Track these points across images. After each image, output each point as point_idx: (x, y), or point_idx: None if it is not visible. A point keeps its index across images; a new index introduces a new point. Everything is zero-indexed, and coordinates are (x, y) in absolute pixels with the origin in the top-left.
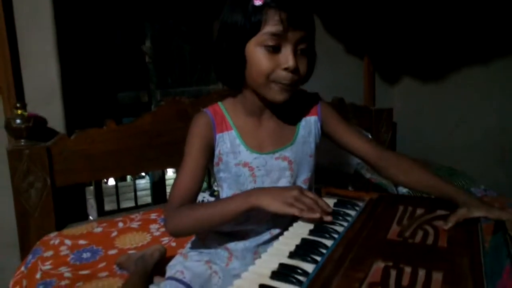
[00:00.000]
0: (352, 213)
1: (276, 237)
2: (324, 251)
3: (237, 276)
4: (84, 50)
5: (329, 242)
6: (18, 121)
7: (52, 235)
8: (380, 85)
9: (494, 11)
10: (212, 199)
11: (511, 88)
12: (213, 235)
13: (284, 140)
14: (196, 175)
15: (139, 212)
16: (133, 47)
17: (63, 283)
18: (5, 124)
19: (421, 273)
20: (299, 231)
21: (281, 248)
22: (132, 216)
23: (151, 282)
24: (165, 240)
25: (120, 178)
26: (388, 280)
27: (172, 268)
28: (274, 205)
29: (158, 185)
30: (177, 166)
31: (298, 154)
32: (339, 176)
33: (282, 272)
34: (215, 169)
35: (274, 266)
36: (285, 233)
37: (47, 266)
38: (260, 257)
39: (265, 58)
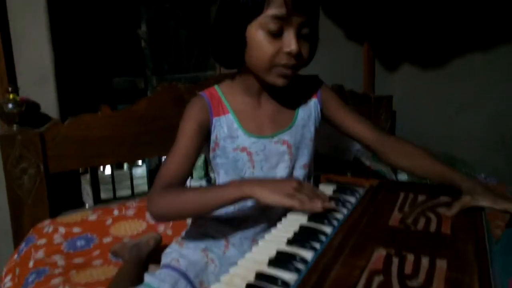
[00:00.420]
0: (352, 200)
1: (274, 224)
2: (323, 238)
3: (234, 264)
4: (78, 34)
5: (328, 229)
6: (10, 105)
7: (45, 222)
8: (379, 72)
9: None
10: None
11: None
12: (209, 222)
13: (283, 123)
14: (188, 158)
15: (135, 200)
16: (129, 31)
17: (56, 271)
18: None
19: (425, 260)
20: (298, 218)
21: (279, 235)
22: (128, 204)
23: (146, 270)
24: (161, 228)
25: (116, 166)
26: (390, 267)
27: (168, 256)
28: (271, 198)
29: (154, 173)
30: None
31: (297, 138)
32: (338, 163)
33: (280, 259)
34: (211, 154)
35: (272, 253)
36: (283, 220)
37: (40, 254)
38: (257, 244)
39: (267, 42)
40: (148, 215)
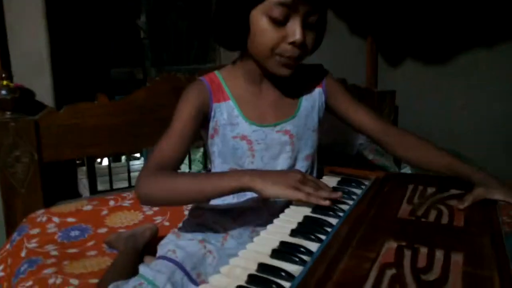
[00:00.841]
0: (358, 191)
1: (276, 216)
2: (329, 229)
3: (233, 256)
4: (76, 22)
5: (334, 221)
6: (3, 92)
7: (39, 212)
8: (382, 67)
9: None
10: None
11: None
12: (208, 213)
13: (286, 112)
14: (183, 142)
15: (132, 191)
16: (128, 22)
17: (49, 261)
18: None
19: (439, 253)
20: (301, 208)
21: (282, 226)
22: (124, 195)
23: (141, 261)
24: (158, 219)
25: (113, 159)
26: (403, 260)
27: (164, 247)
28: (273, 190)
29: None
30: None
31: (300, 128)
32: (340, 157)
33: (284, 251)
34: (209, 142)
35: (275, 244)
36: (286, 210)
37: (33, 244)
38: (259, 235)
39: (271, 29)
40: (144, 206)
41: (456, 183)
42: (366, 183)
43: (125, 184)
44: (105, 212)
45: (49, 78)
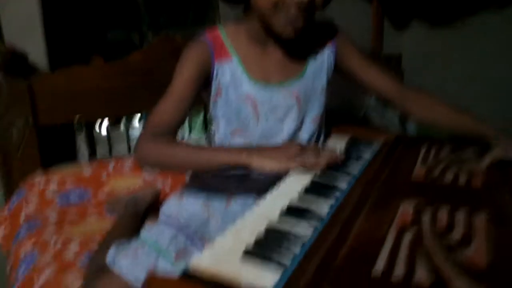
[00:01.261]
0: (367, 154)
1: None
2: (338, 193)
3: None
4: None
5: (343, 184)
6: None
7: (37, 176)
8: (388, 30)
9: None
10: None
11: None
12: (211, 178)
13: (293, 72)
14: (183, 104)
15: (131, 155)
16: None
17: (48, 225)
18: None
19: (459, 214)
20: (308, 172)
21: (288, 189)
22: (124, 159)
23: (143, 225)
24: (159, 184)
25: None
26: (421, 223)
27: (166, 210)
28: (269, 165)
29: None
30: None
31: (307, 89)
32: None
33: (292, 214)
34: (212, 104)
35: (283, 207)
36: (293, 174)
37: (31, 208)
38: (265, 198)
39: None
40: (145, 171)
41: (472, 144)
42: (375, 145)
43: (124, 151)
44: (104, 176)
45: (42, 40)
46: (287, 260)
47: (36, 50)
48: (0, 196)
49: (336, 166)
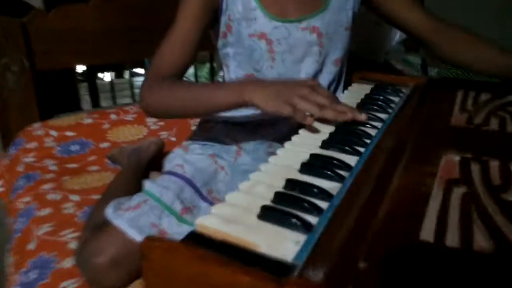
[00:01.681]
0: (396, 99)
1: (296, 131)
2: (368, 140)
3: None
4: None
5: (372, 131)
6: None
7: (36, 125)
8: None
9: None
10: None
11: None
12: (219, 125)
13: (314, 4)
14: (189, 44)
15: (135, 105)
16: None
17: (47, 176)
18: None
19: None
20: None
21: (309, 136)
22: (127, 108)
23: (146, 177)
24: (164, 134)
25: (116, 75)
26: (471, 176)
27: (171, 162)
28: (275, 106)
29: None
30: None
31: (330, 25)
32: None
33: (316, 164)
34: (221, 42)
35: (304, 157)
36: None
37: (30, 158)
38: (275, 152)
39: None
40: (148, 120)
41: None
42: (404, 90)
43: (128, 100)
44: (106, 126)
45: None
46: (313, 219)
47: None
48: None
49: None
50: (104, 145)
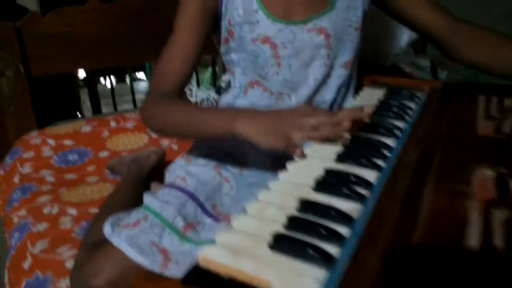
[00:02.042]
0: (412, 105)
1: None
2: (387, 152)
3: (255, 184)
4: None
5: (391, 142)
6: None
7: (33, 133)
8: None
9: None
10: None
11: None
12: None
13: (321, 3)
14: (190, 51)
15: (136, 111)
16: None
17: (44, 188)
18: None
19: None
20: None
21: (323, 148)
22: (127, 115)
23: (147, 189)
24: (165, 142)
25: (117, 80)
26: (511, 196)
27: (172, 173)
28: (265, 142)
29: None
30: None
31: (338, 25)
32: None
33: (331, 181)
34: (223, 48)
35: (318, 172)
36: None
37: (27, 168)
38: (284, 163)
39: None
40: None
41: None
42: (419, 95)
43: (129, 105)
44: (106, 134)
45: None
46: (333, 249)
47: None
48: None
49: (378, 120)
50: (103, 154)
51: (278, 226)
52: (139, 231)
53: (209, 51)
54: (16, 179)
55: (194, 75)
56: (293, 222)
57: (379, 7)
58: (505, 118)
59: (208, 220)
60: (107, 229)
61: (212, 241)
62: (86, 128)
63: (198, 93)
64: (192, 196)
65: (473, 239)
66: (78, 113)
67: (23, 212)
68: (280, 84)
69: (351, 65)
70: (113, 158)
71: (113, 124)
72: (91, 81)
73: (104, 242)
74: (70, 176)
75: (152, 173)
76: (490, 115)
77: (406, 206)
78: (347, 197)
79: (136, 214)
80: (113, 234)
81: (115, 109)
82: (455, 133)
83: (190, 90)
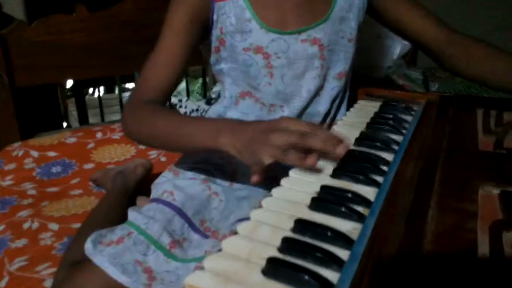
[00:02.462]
0: (409, 118)
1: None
2: (385, 168)
3: (245, 198)
4: None
5: (388, 156)
6: None
7: (15, 145)
8: None
9: None
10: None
11: None
12: None
13: (315, 14)
14: (176, 60)
15: None
16: None
17: (25, 202)
18: None
19: None
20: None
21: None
22: (114, 126)
23: (133, 203)
24: (153, 154)
25: (106, 90)
26: None
27: (159, 188)
28: (245, 157)
29: None
30: None
31: (333, 36)
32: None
33: (327, 199)
34: (213, 58)
35: (313, 189)
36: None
37: (7, 181)
38: (276, 175)
39: None
40: None
41: None
42: (415, 108)
43: (118, 116)
44: (91, 145)
45: None
46: (332, 275)
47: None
48: None
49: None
50: (88, 166)
51: (272, 249)
52: (122, 248)
53: (200, 62)
54: None
55: (184, 86)
56: (288, 245)
57: (374, 18)
58: (505, 132)
59: (195, 236)
60: (88, 246)
61: (199, 259)
62: (71, 139)
63: (188, 104)
64: (179, 212)
65: (485, 264)
66: (64, 123)
67: (2, 227)
68: (273, 95)
69: (345, 77)
70: (98, 171)
71: (99, 135)
72: (78, 91)
73: (85, 260)
74: (53, 189)
75: (139, 186)
76: (489, 129)
77: (409, 226)
78: (345, 216)
79: (119, 231)
80: (94, 252)
81: (103, 119)
82: (455, 148)
83: (180, 101)
